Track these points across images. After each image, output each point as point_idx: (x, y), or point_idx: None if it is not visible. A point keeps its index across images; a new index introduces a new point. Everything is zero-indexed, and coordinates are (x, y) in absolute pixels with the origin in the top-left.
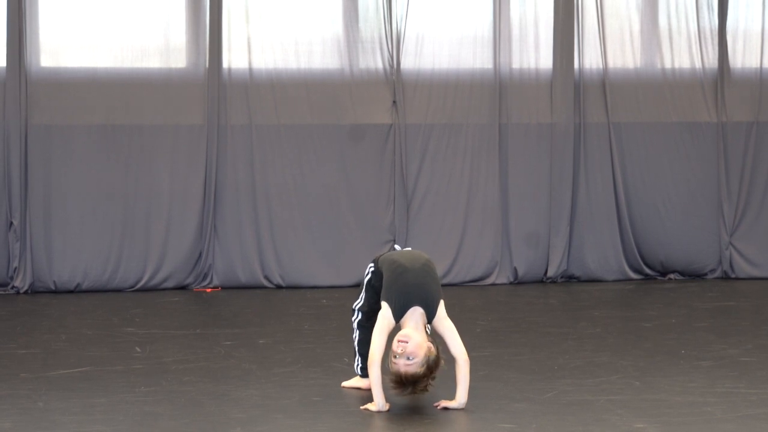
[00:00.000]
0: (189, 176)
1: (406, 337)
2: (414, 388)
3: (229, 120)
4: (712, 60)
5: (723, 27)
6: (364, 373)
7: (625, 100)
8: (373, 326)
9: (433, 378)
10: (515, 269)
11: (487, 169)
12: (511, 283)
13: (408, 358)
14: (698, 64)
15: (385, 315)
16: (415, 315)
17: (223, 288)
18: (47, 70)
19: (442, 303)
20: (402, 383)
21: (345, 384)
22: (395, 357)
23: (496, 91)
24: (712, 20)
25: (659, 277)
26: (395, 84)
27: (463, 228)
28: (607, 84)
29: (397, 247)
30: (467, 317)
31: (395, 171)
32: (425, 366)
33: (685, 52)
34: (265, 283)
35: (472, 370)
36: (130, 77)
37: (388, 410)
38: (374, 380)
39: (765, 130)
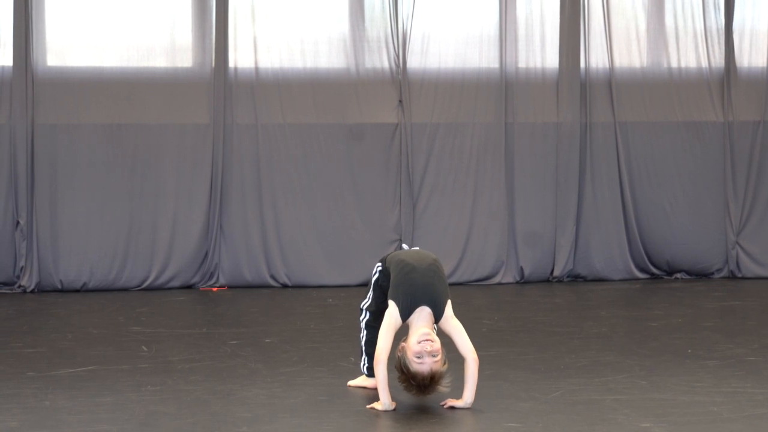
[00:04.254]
0: (195, 175)
1: (429, 335)
2: (436, 387)
3: (235, 119)
4: (718, 59)
5: (729, 26)
6: (371, 373)
7: (631, 100)
8: (381, 326)
9: None
10: (521, 268)
11: (492, 168)
12: (517, 283)
13: (434, 356)
14: (704, 64)
15: (392, 314)
16: (422, 315)
17: (230, 287)
18: (54, 69)
19: (449, 303)
20: (425, 384)
21: (351, 383)
22: (420, 357)
23: (502, 91)
24: (718, 19)
25: (665, 277)
26: (401, 83)
27: (469, 227)
28: (613, 83)
29: (404, 246)
30: (473, 317)
31: (401, 170)
32: (446, 363)
33: (691, 52)
34: (271, 282)
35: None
36: (136, 76)
37: (394, 409)
38: (380, 379)
39: None
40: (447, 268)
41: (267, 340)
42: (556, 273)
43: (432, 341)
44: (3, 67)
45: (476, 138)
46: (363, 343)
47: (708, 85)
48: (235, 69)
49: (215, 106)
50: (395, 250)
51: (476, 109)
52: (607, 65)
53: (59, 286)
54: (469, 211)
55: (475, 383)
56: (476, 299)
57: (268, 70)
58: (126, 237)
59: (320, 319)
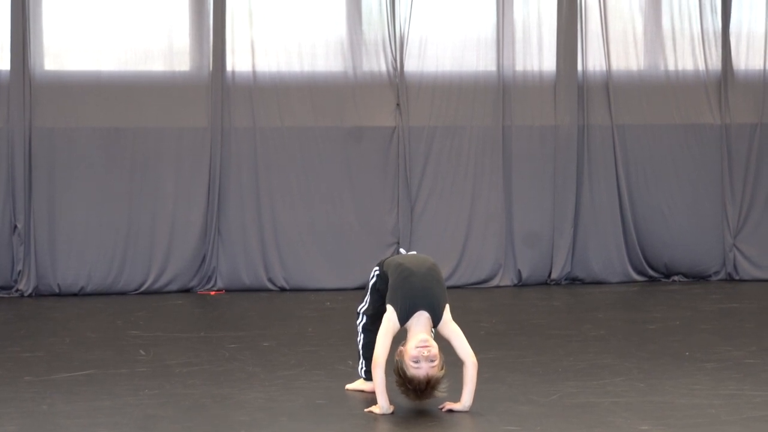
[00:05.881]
0: (193, 179)
1: (426, 341)
2: (432, 392)
3: (233, 123)
4: (715, 62)
5: (726, 29)
6: (368, 377)
7: (628, 103)
8: (378, 330)
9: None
10: (519, 271)
11: (490, 171)
12: (515, 286)
13: (431, 361)
14: (702, 66)
15: (390, 318)
16: (420, 319)
17: (227, 291)
18: (51, 73)
19: (447, 307)
20: (421, 389)
21: (349, 387)
22: (416, 362)
23: (499, 94)
24: (715, 22)
25: (663, 279)
26: (399, 86)
27: (467, 230)
28: (610, 86)
29: (402, 250)
30: (471, 319)
31: (399, 173)
32: (443, 369)
33: (688, 54)
34: (269, 285)
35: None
36: (133, 80)
37: (392, 413)
38: (378, 383)
39: None
40: (445, 271)
41: (265, 344)
42: (554, 276)
43: (429, 346)
44: (0, 70)
45: (474, 141)
46: (360, 346)
47: (705, 87)
48: (233, 72)
49: (213, 110)
50: (393, 253)
51: (474, 112)
52: (605, 68)
53: (57, 290)
54: (466, 214)
55: (474, 386)
56: (474, 302)
57: (266, 74)
58: (124, 241)
59: (318, 323)
